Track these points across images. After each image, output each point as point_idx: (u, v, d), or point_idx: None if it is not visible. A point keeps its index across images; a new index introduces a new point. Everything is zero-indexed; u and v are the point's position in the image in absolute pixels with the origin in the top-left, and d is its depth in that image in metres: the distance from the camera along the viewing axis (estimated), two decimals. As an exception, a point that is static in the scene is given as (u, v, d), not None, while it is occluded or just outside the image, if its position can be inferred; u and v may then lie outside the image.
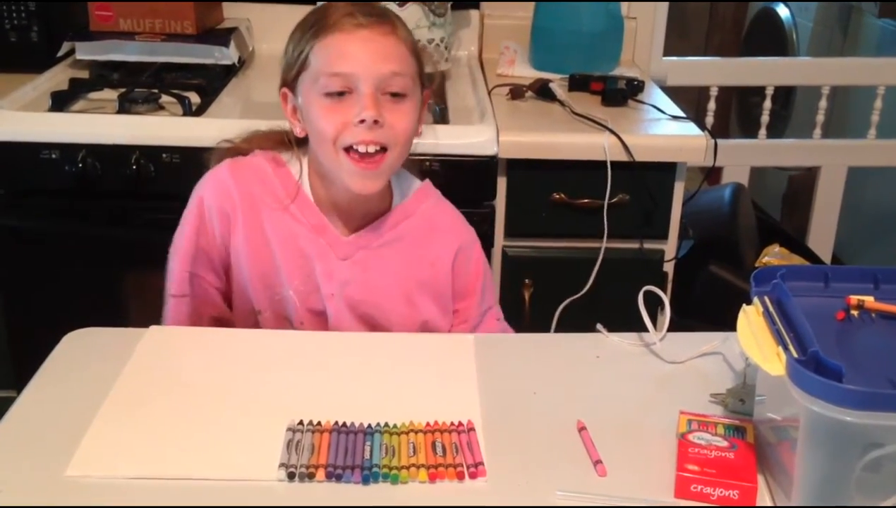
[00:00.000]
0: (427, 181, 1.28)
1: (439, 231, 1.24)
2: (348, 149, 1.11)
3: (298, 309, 1.21)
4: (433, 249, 1.23)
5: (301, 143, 1.22)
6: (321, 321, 1.22)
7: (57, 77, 1.87)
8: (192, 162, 1.64)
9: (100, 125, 1.65)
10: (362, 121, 1.09)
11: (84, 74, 1.90)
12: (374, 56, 1.10)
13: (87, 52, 1.90)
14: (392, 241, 1.21)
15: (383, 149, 1.12)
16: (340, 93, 1.11)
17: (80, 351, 1.09)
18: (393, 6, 1.80)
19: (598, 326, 1.15)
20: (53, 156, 1.63)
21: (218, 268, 1.22)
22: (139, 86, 1.77)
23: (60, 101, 1.71)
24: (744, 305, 0.92)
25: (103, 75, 1.89)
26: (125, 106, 1.70)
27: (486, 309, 1.29)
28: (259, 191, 1.19)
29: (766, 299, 0.92)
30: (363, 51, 1.10)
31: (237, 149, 1.25)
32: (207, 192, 1.21)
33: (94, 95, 1.78)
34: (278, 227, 1.19)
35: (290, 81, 1.17)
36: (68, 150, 1.62)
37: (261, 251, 1.20)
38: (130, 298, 1.75)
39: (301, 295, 1.20)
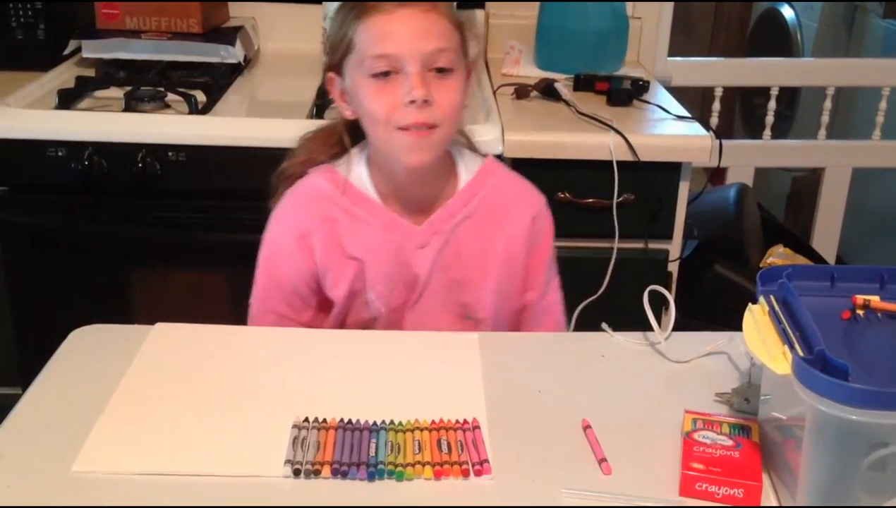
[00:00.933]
0: (490, 156, 1.28)
1: (510, 204, 1.24)
2: (400, 129, 1.11)
3: (382, 314, 1.22)
4: (506, 223, 1.22)
5: (356, 138, 1.22)
6: (401, 318, 1.22)
7: (63, 75, 1.88)
8: (198, 160, 1.65)
9: (106, 123, 1.66)
10: (412, 102, 1.09)
11: (90, 72, 1.91)
12: (418, 34, 1.10)
13: (93, 50, 1.91)
14: (464, 220, 1.21)
15: (433, 126, 1.12)
16: (387, 74, 1.10)
17: (86, 347, 1.09)
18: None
19: (604, 325, 1.15)
20: (60, 153, 1.63)
21: (305, 296, 1.23)
22: (145, 85, 1.78)
23: (67, 99, 1.72)
24: (749, 304, 0.92)
25: (109, 73, 1.89)
26: (131, 104, 1.71)
27: (551, 277, 1.29)
28: (328, 210, 1.19)
29: (772, 298, 0.92)
30: (406, 30, 1.10)
31: (298, 164, 1.24)
32: (278, 229, 1.22)
33: (100, 93, 1.79)
34: (353, 237, 1.19)
35: (335, 64, 1.17)
36: (74, 148, 1.63)
37: (344, 266, 1.20)
38: (136, 295, 1.76)
39: (384, 298, 1.21)
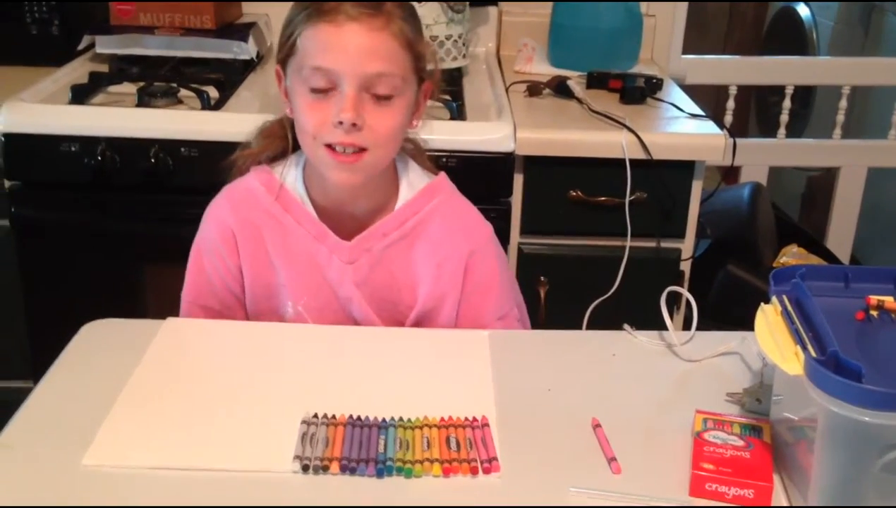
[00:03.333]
0: (441, 176, 1.22)
1: (448, 233, 1.18)
2: (328, 145, 1.08)
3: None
4: (440, 252, 1.17)
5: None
6: None
7: (77, 70, 1.88)
8: (211, 156, 1.65)
9: (119, 118, 1.66)
10: (340, 123, 1.06)
11: (104, 68, 1.91)
12: (361, 54, 1.05)
13: (106, 45, 1.91)
14: (399, 240, 1.17)
15: (362, 149, 1.08)
16: (324, 89, 1.07)
17: (97, 342, 1.09)
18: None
19: (626, 327, 1.14)
20: (73, 148, 1.64)
21: (238, 294, 1.20)
22: (158, 80, 1.78)
23: (80, 95, 1.72)
24: (762, 304, 0.92)
25: (123, 69, 1.90)
26: (144, 99, 1.71)
27: (504, 313, 1.22)
28: (256, 214, 1.17)
29: (785, 298, 0.91)
30: (350, 47, 1.05)
31: (251, 155, 1.22)
32: (207, 226, 1.20)
33: (113, 89, 1.79)
34: (280, 245, 1.17)
35: (281, 60, 1.13)
36: (88, 143, 1.63)
37: (265, 272, 1.18)
38: (148, 290, 1.76)
39: (312, 312, 1.18)
